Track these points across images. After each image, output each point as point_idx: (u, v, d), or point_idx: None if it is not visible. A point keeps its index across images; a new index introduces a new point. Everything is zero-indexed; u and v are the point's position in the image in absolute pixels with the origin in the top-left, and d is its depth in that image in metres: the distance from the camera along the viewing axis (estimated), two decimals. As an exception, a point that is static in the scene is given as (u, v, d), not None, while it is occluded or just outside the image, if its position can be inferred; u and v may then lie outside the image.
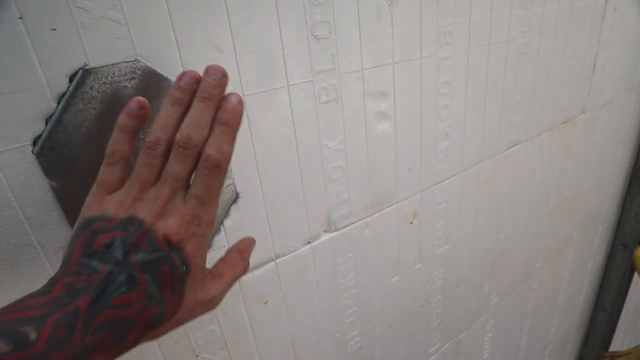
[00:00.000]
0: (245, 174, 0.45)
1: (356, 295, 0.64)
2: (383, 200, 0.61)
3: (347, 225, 0.58)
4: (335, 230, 0.57)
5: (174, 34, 0.36)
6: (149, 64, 0.36)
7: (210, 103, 0.29)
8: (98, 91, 0.34)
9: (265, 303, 0.54)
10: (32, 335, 0.22)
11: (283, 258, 0.53)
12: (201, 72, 0.30)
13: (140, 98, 0.29)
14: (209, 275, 0.32)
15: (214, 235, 0.45)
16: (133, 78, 0.35)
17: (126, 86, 0.35)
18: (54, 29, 0.31)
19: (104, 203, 0.29)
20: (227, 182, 0.44)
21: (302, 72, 0.45)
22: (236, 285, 0.49)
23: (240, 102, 0.29)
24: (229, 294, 0.49)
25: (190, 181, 0.30)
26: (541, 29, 0.74)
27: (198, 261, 0.29)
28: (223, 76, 0.29)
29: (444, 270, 0.78)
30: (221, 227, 0.46)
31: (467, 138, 0.69)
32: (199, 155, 0.29)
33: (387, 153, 0.58)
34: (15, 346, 0.21)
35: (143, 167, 0.29)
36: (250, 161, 0.45)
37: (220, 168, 0.29)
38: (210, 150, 0.28)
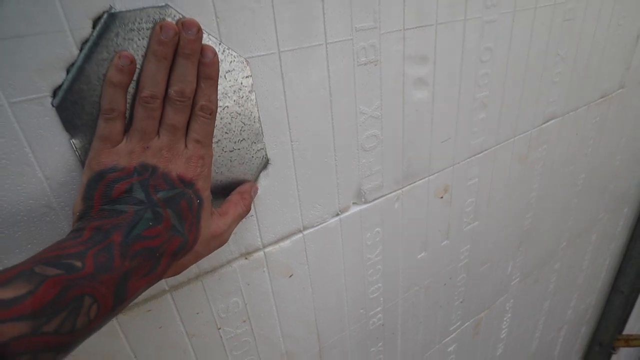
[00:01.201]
0: (277, 138, 0.42)
1: (382, 271, 0.62)
2: (415, 173, 0.57)
3: (378, 198, 0.55)
4: (365, 202, 0.54)
5: (207, -23, 0.32)
6: (180, 11, 0.32)
7: (193, 58, 0.31)
8: (124, 39, 0.30)
9: (291, 276, 0.51)
10: (78, 264, 0.25)
11: (310, 230, 0.50)
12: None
13: (127, 52, 0.30)
14: (216, 213, 0.36)
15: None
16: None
17: (154, 34, 0.31)
18: (75, -36, 0.27)
19: (112, 155, 0.30)
20: (258, 146, 0.40)
21: (341, 29, 0.41)
22: (261, 256, 0.47)
23: (215, 54, 0.32)
24: (254, 265, 0.47)
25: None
26: (589, -7, 0.68)
27: (207, 194, 0.34)
28: (198, 30, 0.31)
29: (470, 248, 0.76)
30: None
31: (503, 110, 0.65)
32: (192, 105, 0.32)
33: (423, 123, 0.54)
34: (65, 270, 0.24)
35: (143, 120, 0.31)
36: (282, 125, 0.42)
37: (212, 115, 0.33)
38: (202, 101, 0.32)
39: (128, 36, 0.30)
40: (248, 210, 0.39)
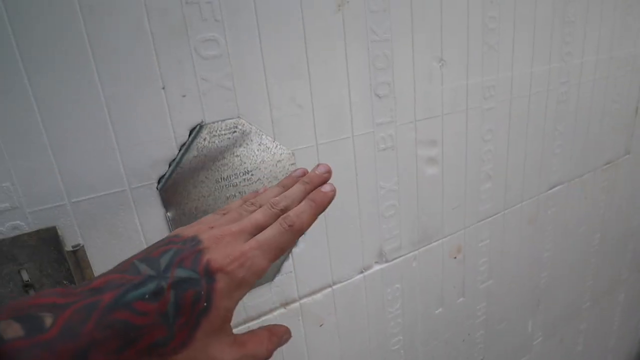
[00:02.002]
0: (313, 209, 0.53)
1: (402, 325, 0.69)
2: (430, 236, 0.66)
3: (397, 258, 0.63)
4: (386, 261, 0.62)
5: (268, 96, 0.45)
6: (247, 120, 0.45)
7: (308, 187, 0.34)
8: (209, 142, 0.43)
9: (321, 326, 0.59)
10: (48, 321, 0.22)
11: (339, 285, 0.59)
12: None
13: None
14: (229, 337, 0.29)
15: (283, 261, 0.53)
16: (234, 132, 0.44)
17: (229, 138, 0.44)
18: (184, 96, 0.40)
19: (191, 227, 0.31)
20: (299, 216, 0.51)
21: (364, 125, 0.53)
22: (297, 307, 0.56)
23: (333, 190, 0.34)
24: (291, 314, 0.56)
25: None
26: (580, 78, 0.79)
27: (223, 304, 0.27)
28: (327, 172, 0.36)
29: (487, 306, 0.81)
30: (290, 255, 0.53)
31: (508, 179, 0.74)
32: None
33: (435, 193, 0.64)
34: (27, 332, 0.22)
35: (235, 212, 0.33)
36: (318, 198, 0.52)
37: (292, 228, 0.30)
38: (291, 212, 0.31)
39: (212, 140, 0.43)
40: (269, 356, 0.31)
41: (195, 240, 0.28)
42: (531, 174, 0.78)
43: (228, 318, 0.28)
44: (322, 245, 0.55)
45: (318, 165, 0.37)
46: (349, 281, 0.60)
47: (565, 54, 0.73)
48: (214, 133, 0.43)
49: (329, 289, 0.58)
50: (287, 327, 0.34)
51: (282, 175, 0.49)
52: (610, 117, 0.90)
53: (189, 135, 0.42)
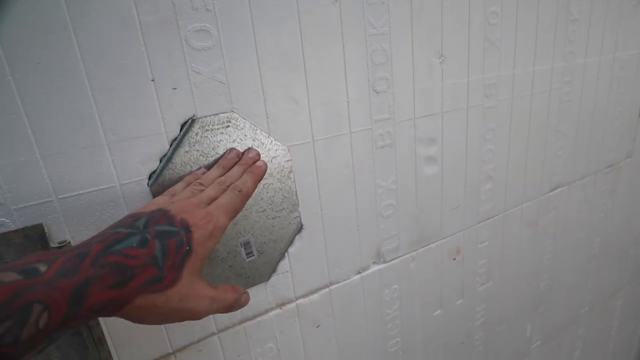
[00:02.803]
0: (309, 208, 0.51)
1: (400, 326, 0.67)
2: (428, 237, 0.65)
3: (395, 259, 0.62)
4: (384, 262, 0.61)
5: (262, 90, 0.44)
6: (241, 115, 0.43)
7: (245, 167, 0.42)
8: (201, 137, 0.41)
9: (318, 327, 0.58)
10: (42, 268, 0.25)
11: (336, 285, 0.58)
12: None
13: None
14: (204, 280, 0.34)
15: (279, 261, 0.51)
16: (228, 126, 0.43)
17: (222, 133, 0.42)
18: (174, 88, 0.39)
19: (150, 204, 0.35)
20: (294, 214, 0.50)
21: (362, 121, 0.52)
22: (294, 307, 0.55)
23: (265, 163, 0.44)
24: (287, 314, 0.54)
25: None
26: (583, 78, 0.78)
27: (200, 250, 0.33)
28: (257, 154, 0.44)
29: (486, 308, 0.80)
30: (286, 254, 0.52)
31: (509, 180, 0.73)
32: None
33: (434, 193, 0.63)
34: (24, 276, 0.24)
35: (186, 191, 0.38)
36: (314, 198, 0.51)
37: (241, 193, 0.38)
38: (237, 182, 0.40)
39: (204, 135, 0.42)
40: (232, 305, 0.36)
41: (162, 210, 0.33)
42: (532, 176, 0.77)
43: (203, 264, 0.34)
44: (319, 244, 0.54)
45: (248, 150, 0.44)
46: (346, 282, 0.59)
47: (569, 52, 0.72)
48: (207, 127, 0.42)
49: (326, 290, 0.57)
50: (242, 288, 0.39)
51: (278, 172, 0.47)
52: (613, 120, 0.89)
53: (180, 130, 0.41)
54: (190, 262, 0.32)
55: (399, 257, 0.63)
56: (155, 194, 0.41)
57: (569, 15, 0.70)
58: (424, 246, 0.65)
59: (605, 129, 0.88)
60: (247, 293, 0.38)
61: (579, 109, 0.80)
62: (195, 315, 0.33)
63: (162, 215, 0.33)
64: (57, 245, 0.37)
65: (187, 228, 0.33)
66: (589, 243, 0.99)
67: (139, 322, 0.31)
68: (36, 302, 0.24)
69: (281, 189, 0.48)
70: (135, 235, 0.30)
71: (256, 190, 0.46)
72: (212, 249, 0.35)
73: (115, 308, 0.29)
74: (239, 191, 0.38)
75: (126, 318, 0.30)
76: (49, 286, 0.25)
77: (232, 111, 0.43)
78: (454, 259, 0.70)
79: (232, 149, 0.44)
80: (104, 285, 0.27)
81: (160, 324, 0.35)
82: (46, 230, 0.37)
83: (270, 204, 0.48)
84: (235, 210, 0.38)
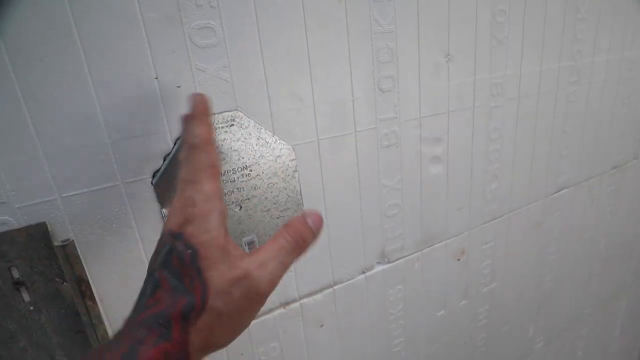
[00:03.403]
0: (314, 207, 0.51)
1: (404, 326, 0.67)
2: (433, 237, 0.64)
3: (399, 259, 0.62)
4: (388, 262, 0.61)
5: (267, 88, 0.43)
6: (245, 113, 0.43)
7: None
8: (206, 135, 0.41)
9: (321, 326, 0.58)
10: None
11: (340, 285, 0.57)
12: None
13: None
14: (237, 254, 0.29)
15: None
16: (232, 125, 0.42)
17: (226, 131, 0.42)
18: (178, 86, 0.39)
19: None
20: (298, 214, 0.49)
21: (367, 120, 0.51)
22: (298, 307, 0.54)
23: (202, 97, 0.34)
24: (291, 314, 0.54)
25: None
26: (591, 78, 0.77)
27: (203, 239, 0.28)
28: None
29: (489, 309, 0.80)
30: (289, 254, 0.51)
31: (515, 181, 0.72)
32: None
33: (439, 193, 0.62)
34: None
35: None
36: (319, 196, 0.51)
37: (195, 146, 0.31)
38: (185, 137, 0.32)
39: (208, 133, 0.41)
40: (298, 243, 0.31)
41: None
42: (538, 176, 0.76)
43: (221, 243, 0.28)
44: (323, 244, 0.54)
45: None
46: (350, 281, 0.58)
47: (576, 52, 0.71)
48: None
49: (330, 289, 0.57)
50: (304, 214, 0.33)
51: (282, 171, 0.47)
52: (619, 120, 0.88)
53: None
54: (202, 257, 0.28)
55: (404, 257, 0.62)
56: (158, 193, 0.40)
57: (577, 14, 0.69)
58: (428, 246, 0.64)
59: (611, 130, 0.87)
60: (314, 214, 0.33)
61: (586, 109, 0.79)
62: (260, 292, 0.29)
63: (161, 240, 0.30)
64: (60, 243, 0.36)
65: (177, 234, 0.29)
66: (594, 244, 0.98)
67: (228, 341, 0.29)
68: None
69: (285, 188, 0.48)
70: (147, 284, 0.28)
71: (261, 190, 0.46)
72: (219, 222, 0.29)
73: (174, 356, 0.26)
74: (191, 147, 0.31)
75: (215, 349, 0.28)
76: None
77: (237, 109, 0.42)
78: (459, 259, 0.70)
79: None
80: (149, 344, 0.25)
81: (243, 324, 0.30)
82: (49, 229, 0.36)
83: (275, 203, 0.47)
84: (202, 171, 0.31)
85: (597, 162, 0.87)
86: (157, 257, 0.29)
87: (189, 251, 0.28)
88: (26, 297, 0.38)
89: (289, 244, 0.31)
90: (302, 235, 0.32)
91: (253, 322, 0.51)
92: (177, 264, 0.27)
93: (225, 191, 0.44)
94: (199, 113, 0.33)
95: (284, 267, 0.30)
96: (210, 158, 0.31)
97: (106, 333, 0.41)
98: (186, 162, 0.31)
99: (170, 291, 0.27)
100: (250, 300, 0.28)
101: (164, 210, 0.41)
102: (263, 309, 0.51)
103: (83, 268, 0.39)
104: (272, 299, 0.52)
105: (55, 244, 0.36)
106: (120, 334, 0.26)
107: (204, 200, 0.29)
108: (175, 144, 0.40)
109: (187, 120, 0.33)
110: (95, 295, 0.40)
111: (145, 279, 0.28)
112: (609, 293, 1.11)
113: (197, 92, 0.35)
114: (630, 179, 0.98)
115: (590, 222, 0.93)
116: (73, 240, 0.38)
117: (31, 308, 0.39)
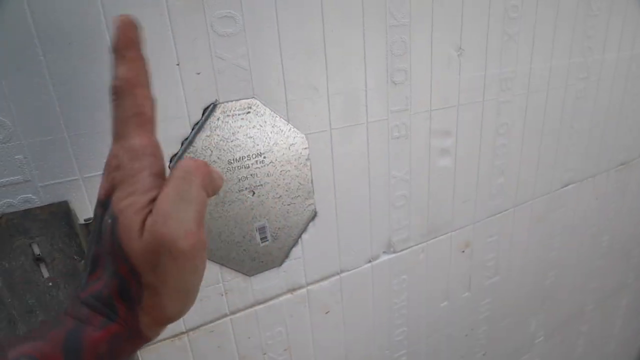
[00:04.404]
0: (324, 196, 0.52)
1: (406, 316, 0.68)
2: (439, 228, 0.66)
3: (405, 249, 0.63)
4: (394, 252, 0.62)
5: (283, 77, 0.44)
6: (262, 101, 0.44)
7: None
8: (222, 121, 0.42)
9: (327, 313, 0.59)
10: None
11: (346, 273, 0.59)
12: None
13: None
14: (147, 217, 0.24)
15: (292, 247, 0.52)
16: (248, 112, 0.43)
17: (243, 118, 0.43)
18: (198, 73, 0.40)
19: None
20: (309, 201, 0.51)
21: (379, 112, 0.52)
22: (304, 293, 0.56)
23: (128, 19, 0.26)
24: (298, 299, 0.55)
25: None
26: (600, 75, 0.77)
27: (123, 205, 0.23)
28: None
29: (491, 302, 0.81)
30: (299, 240, 0.52)
31: (521, 176, 0.73)
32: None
33: (446, 185, 0.63)
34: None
35: None
36: (329, 186, 0.52)
37: (117, 91, 0.25)
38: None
39: (225, 120, 0.42)
40: (188, 171, 0.24)
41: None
42: (544, 171, 0.77)
43: (138, 207, 0.23)
44: (331, 232, 0.55)
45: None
46: (356, 270, 0.59)
47: (587, 48, 0.72)
48: (228, 113, 0.42)
49: (337, 277, 0.58)
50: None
51: (295, 159, 0.48)
52: (627, 118, 0.88)
53: (203, 114, 0.42)
54: (121, 225, 0.23)
55: (409, 247, 0.63)
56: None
57: (589, 11, 0.69)
58: (433, 238, 0.66)
59: (619, 127, 0.87)
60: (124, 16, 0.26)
61: (594, 105, 0.80)
62: (181, 242, 0.23)
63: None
64: (84, 222, 0.38)
65: (104, 203, 0.25)
66: (597, 241, 0.99)
67: (182, 310, 0.25)
68: (22, 357, 0.20)
69: (297, 176, 0.49)
70: (88, 259, 0.25)
71: (274, 177, 0.47)
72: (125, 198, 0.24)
73: (121, 337, 0.24)
74: (114, 93, 0.26)
75: (169, 322, 0.25)
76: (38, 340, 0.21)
77: (254, 97, 0.43)
78: (463, 251, 0.71)
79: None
80: (97, 327, 0.23)
81: (190, 289, 0.25)
82: (71, 207, 0.38)
83: (287, 190, 0.48)
84: (129, 122, 0.25)
85: (604, 158, 0.88)
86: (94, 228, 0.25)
87: (110, 221, 0.23)
88: (45, 273, 0.40)
89: (179, 178, 0.24)
90: (186, 164, 0.25)
91: (261, 306, 0.53)
92: (105, 234, 0.24)
93: (240, 177, 0.45)
94: (120, 46, 0.25)
95: (191, 205, 0.24)
96: (137, 104, 0.25)
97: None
98: (113, 112, 0.25)
99: (104, 268, 0.24)
100: (176, 260, 0.23)
101: (180, 193, 0.42)
102: (271, 294, 0.53)
103: (102, 247, 0.40)
104: (279, 285, 0.53)
105: (79, 222, 0.38)
106: (64, 313, 0.24)
107: (130, 159, 0.24)
108: (193, 129, 0.41)
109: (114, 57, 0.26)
110: (113, 274, 0.42)
111: (86, 253, 0.26)
112: (610, 290, 1.12)
113: (122, 14, 0.25)
114: (636, 176, 0.99)
115: (594, 218, 0.94)
116: (93, 220, 0.39)
117: (50, 284, 0.41)
